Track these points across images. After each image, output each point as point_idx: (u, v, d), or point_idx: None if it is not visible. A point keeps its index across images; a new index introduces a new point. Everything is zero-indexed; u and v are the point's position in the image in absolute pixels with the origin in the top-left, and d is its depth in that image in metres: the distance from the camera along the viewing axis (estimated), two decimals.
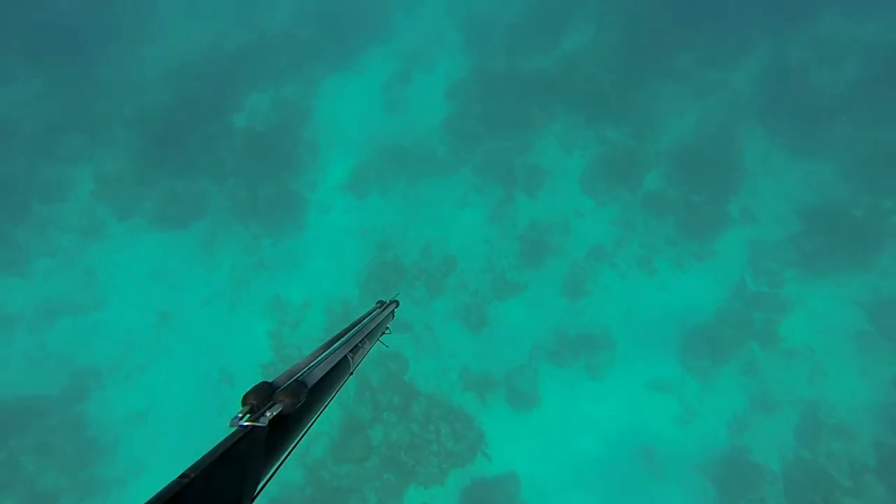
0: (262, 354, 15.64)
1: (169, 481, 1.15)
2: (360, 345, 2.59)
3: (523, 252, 16.77)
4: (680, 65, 20.14)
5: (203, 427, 15.04)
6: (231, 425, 1.46)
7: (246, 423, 1.47)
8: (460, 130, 19.21)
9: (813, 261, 16.68)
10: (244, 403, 1.58)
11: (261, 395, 1.64)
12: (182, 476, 1.17)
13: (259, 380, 1.75)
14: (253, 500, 1.39)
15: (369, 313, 3.14)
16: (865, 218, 17.19)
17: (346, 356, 2.34)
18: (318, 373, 2.01)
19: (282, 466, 1.62)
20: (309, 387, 1.87)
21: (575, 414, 15.02)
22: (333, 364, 2.17)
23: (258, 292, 16.91)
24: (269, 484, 1.51)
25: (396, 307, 3.66)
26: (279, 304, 16.55)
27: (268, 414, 1.54)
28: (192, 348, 16.11)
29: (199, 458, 1.27)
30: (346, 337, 2.55)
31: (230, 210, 18.13)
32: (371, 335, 2.86)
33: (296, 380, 1.87)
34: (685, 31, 20.80)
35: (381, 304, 3.48)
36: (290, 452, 1.69)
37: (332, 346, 2.36)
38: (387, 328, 3.32)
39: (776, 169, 18.35)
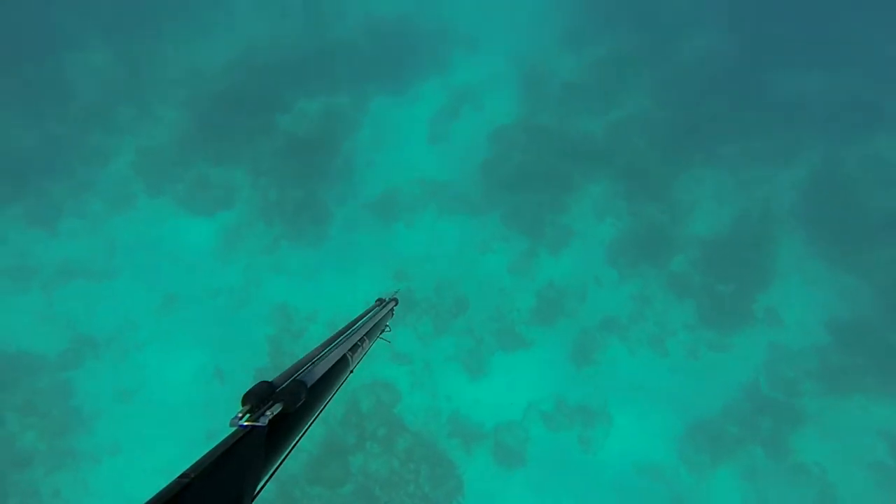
0: (258, 358, 15.54)
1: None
2: (359, 343, 2.59)
3: (537, 309, 16.54)
4: (727, 153, 20.03)
5: (187, 418, 14.89)
6: (231, 425, 1.45)
7: (246, 423, 1.46)
8: (497, 175, 19.29)
9: (837, 377, 16.03)
10: (244, 403, 1.56)
11: (260, 395, 1.62)
12: (182, 476, 1.16)
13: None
14: (253, 500, 1.38)
15: (368, 311, 3.13)
16: None
17: (345, 355, 2.33)
18: (318, 372, 2.00)
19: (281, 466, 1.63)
20: (309, 386, 1.86)
21: (560, 483, 14.48)
22: (333, 363, 2.17)
23: (267, 295, 16.94)
24: (268, 483, 1.51)
25: (396, 305, 3.64)
26: (285, 311, 16.51)
27: (268, 413, 1.54)
28: (191, 337, 16.11)
29: (199, 458, 1.26)
30: (345, 335, 2.54)
31: (258, 207, 18.37)
32: (371, 333, 2.85)
33: (295, 379, 1.85)
34: (739, 119, 20.81)
35: (381, 302, 3.47)
36: (290, 452, 1.69)
37: (332, 345, 2.33)
38: (386, 326, 3.30)
39: (810, 276, 17.88)
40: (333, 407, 14.57)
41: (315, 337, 16.13)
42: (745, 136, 20.41)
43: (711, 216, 18.78)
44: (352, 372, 2.42)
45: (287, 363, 15.26)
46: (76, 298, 16.62)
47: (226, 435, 1.41)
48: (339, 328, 2.62)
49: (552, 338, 16.24)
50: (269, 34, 22.53)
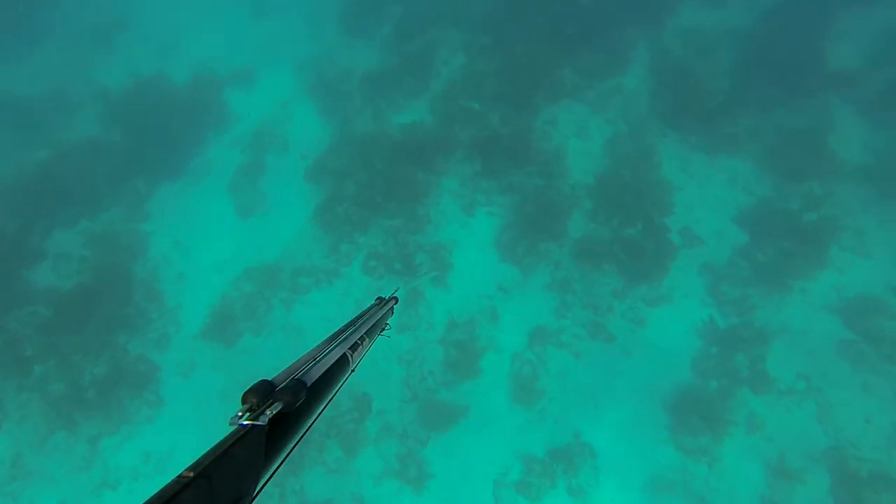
0: None
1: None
2: (359, 342, 2.51)
3: (449, 362, 13.15)
4: (567, 80, 17.71)
5: None
6: (231, 424, 1.40)
7: (246, 422, 1.42)
8: (335, 221, 15.45)
9: (770, 274, 14.49)
10: (244, 402, 1.53)
11: (260, 394, 1.57)
12: (181, 475, 1.13)
13: None
14: (253, 500, 1.34)
15: (368, 310, 3.02)
16: (800, 211, 15.44)
17: (345, 354, 2.27)
18: (318, 371, 1.95)
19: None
20: (308, 385, 1.80)
21: None
22: (333, 362, 2.12)
23: None
24: (268, 483, 1.41)
25: (396, 304, 3.46)
26: None
27: (268, 412, 1.49)
28: None
29: (199, 457, 1.21)
30: (345, 335, 2.42)
31: (42, 416, 13.03)
32: (370, 332, 2.77)
33: (295, 378, 1.78)
34: (559, 41, 18.53)
35: (381, 301, 3.33)
36: (290, 451, 1.65)
37: (332, 345, 2.24)
38: (386, 324, 3.17)
39: (700, 174, 16.26)
40: None
41: None
42: (572, 55, 18.22)
43: (584, 156, 16.42)
44: (352, 371, 2.32)
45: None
46: None
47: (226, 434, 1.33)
48: (339, 328, 2.47)
49: (483, 386, 13.00)
50: None
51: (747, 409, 12.85)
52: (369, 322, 2.81)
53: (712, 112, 17.19)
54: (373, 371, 12.98)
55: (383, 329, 3.13)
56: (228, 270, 15.23)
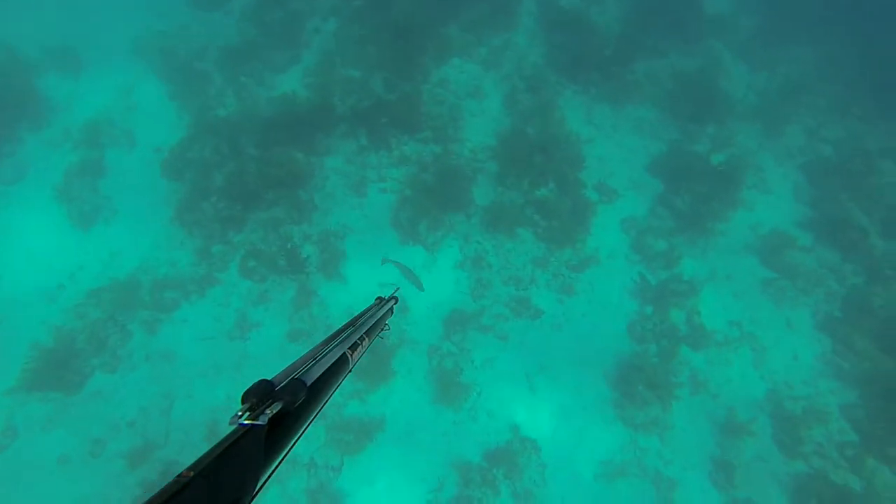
0: None
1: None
2: (358, 342, 2.41)
3: (356, 368, 10.94)
4: (454, 38, 15.96)
5: None
6: (230, 423, 1.33)
7: (245, 422, 1.36)
8: (202, 220, 12.60)
9: (689, 220, 13.78)
10: (244, 401, 1.45)
11: (260, 393, 1.50)
12: (181, 475, 1.06)
13: None
14: (252, 499, 1.27)
15: (368, 310, 2.86)
16: (708, 153, 15.03)
17: (344, 353, 2.17)
18: (317, 370, 1.83)
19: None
20: (308, 384, 1.70)
21: None
22: (332, 361, 1.99)
23: None
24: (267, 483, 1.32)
25: (395, 304, 3.28)
26: None
27: (267, 412, 1.42)
28: None
29: (199, 456, 1.13)
30: (345, 334, 2.31)
31: None
32: (370, 332, 2.63)
33: (294, 377, 1.68)
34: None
35: (380, 301, 3.18)
36: (289, 451, 1.56)
37: (331, 344, 2.12)
38: (386, 325, 3.01)
39: (606, 125, 15.27)
40: None
41: None
42: (456, 11, 16.56)
43: (482, 117, 14.80)
44: (350, 370, 2.23)
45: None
46: None
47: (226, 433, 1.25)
48: (339, 328, 2.33)
49: (399, 391, 10.94)
50: None
51: (689, 367, 11.91)
52: (369, 322, 2.64)
53: (608, 60, 16.31)
54: None
55: (382, 329, 2.93)
56: (64, 297, 11.94)
